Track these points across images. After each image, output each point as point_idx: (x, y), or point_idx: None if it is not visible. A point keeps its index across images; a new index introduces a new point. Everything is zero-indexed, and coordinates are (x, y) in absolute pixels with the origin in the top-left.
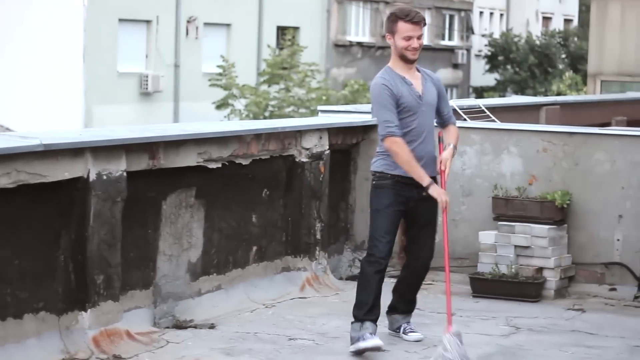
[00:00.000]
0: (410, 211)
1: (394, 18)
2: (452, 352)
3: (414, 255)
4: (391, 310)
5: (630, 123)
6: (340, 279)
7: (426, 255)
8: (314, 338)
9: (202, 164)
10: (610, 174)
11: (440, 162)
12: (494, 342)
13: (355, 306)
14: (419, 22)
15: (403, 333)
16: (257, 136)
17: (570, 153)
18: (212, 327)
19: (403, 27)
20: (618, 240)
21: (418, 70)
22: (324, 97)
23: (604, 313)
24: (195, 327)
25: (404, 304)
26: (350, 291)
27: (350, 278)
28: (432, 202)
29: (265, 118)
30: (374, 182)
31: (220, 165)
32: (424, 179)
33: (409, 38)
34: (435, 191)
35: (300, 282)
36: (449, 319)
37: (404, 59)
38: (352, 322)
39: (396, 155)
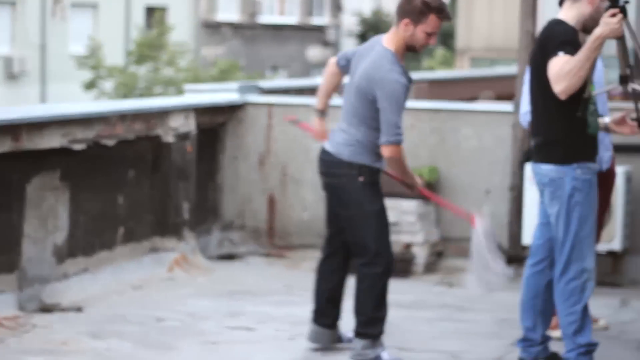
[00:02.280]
0: None
1: (426, 8)
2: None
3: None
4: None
5: (498, 98)
6: (209, 258)
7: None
8: (182, 318)
9: (66, 145)
10: (477, 149)
11: None
12: None
13: (369, 324)
14: (448, 18)
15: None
16: (122, 117)
17: (437, 129)
18: (79, 310)
19: (434, 22)
20: (486, 215)
21: None
22: (192, 77)
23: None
24: (62, 310)
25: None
26: (219, 271)
27: (220, 257)
28: None
29: (134, 98)
30: (361, 178)
31: (85, 147)
32: (417, 180)
33: (431, 35)
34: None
35: (168, 263)
36: (469, 217)
37: (411, 50)
38: (366, 340)
39: (397, 162)
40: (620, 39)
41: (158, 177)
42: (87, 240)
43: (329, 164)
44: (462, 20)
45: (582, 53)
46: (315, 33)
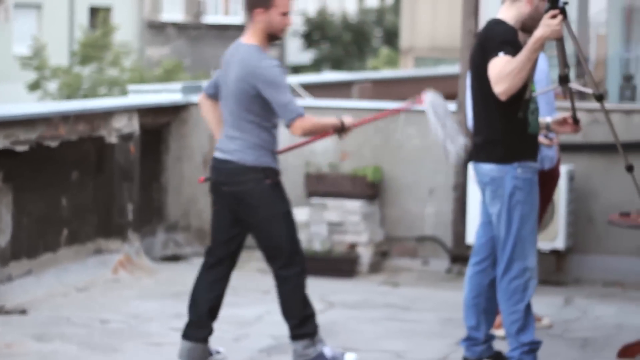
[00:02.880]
0: None
1: None
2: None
3: (234, 262)
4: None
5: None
6: (154, 259)
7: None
8: (127, 320)
9: (8, 147)
10: (420, 148)
11: None
12: None
13: (303, 324)
14: None
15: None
16: (65, 118)
17: (381, 128)
18: (23, 312)
19: (283, 1)
20: (430, 214)
21: None
22: (137, 78)
23: (417, 287)
24: (6, 313)
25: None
26: (163, 272)
27: (164, 259)
28: None
29: (79, 99)
30: (268, 181)
31: (27, 148)
32: (332, 121)
33: (286, 14)
34: (347, 120)
35: (112, 265)
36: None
37: (273, 38)
38: (304, 340)
39: (313, 128)
40: (560, 40)
41: (102, 178)
42: (31, 242)
43: (230, 173)
44: (406, 20)
45: (522, 54)
46: None
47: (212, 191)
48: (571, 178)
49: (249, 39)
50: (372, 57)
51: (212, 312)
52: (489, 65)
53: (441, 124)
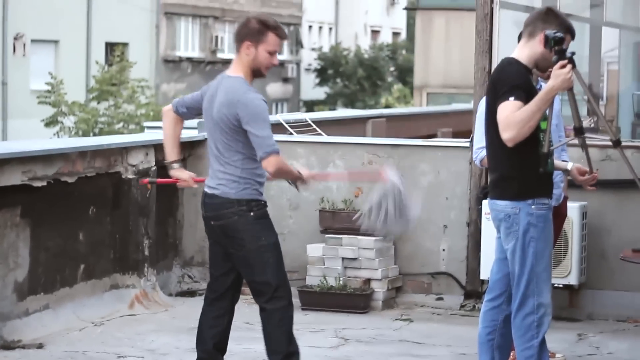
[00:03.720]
0: None
1: (262, 27)
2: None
3: (236, 296)
4: None
5: (456, 134)
6: (170, 295)
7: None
8: (143, 355)
9: (27, 182)
10: (434, 184)
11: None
12: (323, 354)
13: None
14: (285, 37)
15: None
16: (82, 154)
17: (395, 165)
18: (40, 347)
19: (272, 39)
20: (443, 250)
21: None
22: (152, 113)
23: (431, 322)
24: (23, 347)
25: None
26: (179, 307)
27: (180, 294)
28: None
29: (94, 135)
30: (252, 213)
31: (45, 184)
32: (296, 172)
33: (273, 53)
34: (305, 173)
35: (129, 300)
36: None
37: (257, 75)
38: None
39: (282, 170)
40: (571, 90)
41: (118, 214)
42: (48, 276)
43: (216, 207)
44: (420, 57)
45: (534, 104)
46: (275, 69)
47: (205, 225)
48: (584, 214)
49: (235, 71)
50: (385, 93)
51: (219, 347)
52: (499, 108)
53: (392, 206)
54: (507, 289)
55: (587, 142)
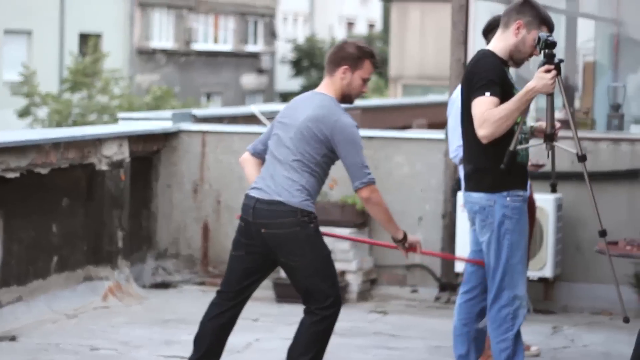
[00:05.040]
0: None
1: (361, 54)
2: None
3: (244, 304)
4: None
5: (431, 126)
6: (144, 287)
7: None
8: (116, 347)
9: None
10: (409, 176)
11: None
12: None
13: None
14: (378, 68)
15: None
16: (56, 145)
17: (370, 156)
18: (13, 339)
19: (369, 67)
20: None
21: None
22: (126, 105)
23: (406, 315)
24: None
25: None
26: (153, 299)
27: (153, 286)
28: None
29: (68, 126)
30: (313, 225)
31: (18, 175)
32: (400, 232)
33: (366, 80)
34: (413, 239)
35: (102, 292)
36: None
37: (346, 100)
38: None
39: (378, 205)
40: (550, 96)
41: (92, 205)
42: (21, 268)
43: (274, 214)
44: (395, 48)
45: (512, 103)
46: (249, 60)
47: (242, 234)
48: (559, 207)
49: (327, 90)
50: None
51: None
52: (474, 102)
53: None
54: (482, 281)
55: (555, 147)
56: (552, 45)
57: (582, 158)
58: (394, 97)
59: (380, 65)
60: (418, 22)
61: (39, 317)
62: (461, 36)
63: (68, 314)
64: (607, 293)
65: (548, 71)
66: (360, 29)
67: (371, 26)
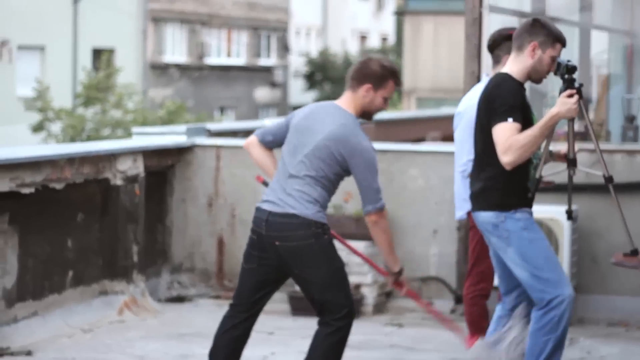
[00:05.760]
0: None
1: (385, 73)
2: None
3: (257, 316)
4: None
5: (445, 139)
6: (159, 301)
7: None
8: None
9: (14, 189)
10: (424, 189)
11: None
12: None
13: None
14: (400, 86)
15: None
16: (71, 160)
17: (384, 170)
18: (29, 354)
19: (391, 87)
20: (434, 255)
21: None
22: (140, 119)
23: (421, 327)
24: (11, 354)
25: None
26: (168, 313)
27: (169, 300)
28: None
29: (82, 141)
30: (327, 236)
31: (33, 190)
32: (399, 265)
33: (386, 100)
34: (405, 278)
35: (118, 306)
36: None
37: (365, 116)
38: None
39: (385, 232)
40: (572, 121)
41: (107, 220)
42: (36, 283)
43: (288, 227)
44: (408, 61)
45: (536, 130)
46: (262, 74)
47: (254, 247)
48: (575, 219)
49: (347, 106)
50: None
51: None
52: (496, 128)
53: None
54: (522, 300)
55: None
56: (573, 70)
57: (609, 180)
58: (408, 110)
59: (401, 83)
60: (431, 35)
61: (55, 331)
62: (475, 49)
63: (84, 328)
64: (623, 304)
65: (570, 96)
66: (373, 42)
67: (384, 39)
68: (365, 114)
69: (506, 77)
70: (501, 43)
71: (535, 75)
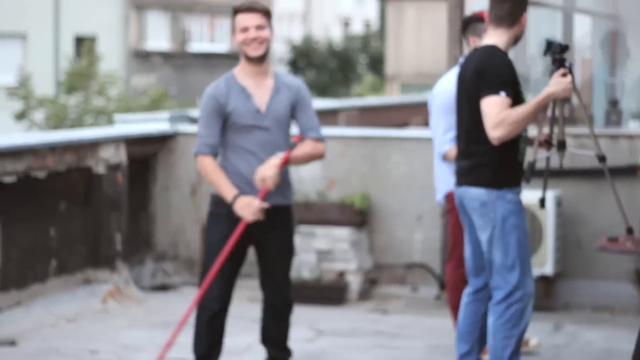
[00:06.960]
0: (259, 242)
1: (233, 14)
2: None
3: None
4: None
5: (428, 124)
6: (143, 289)
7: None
8: (116, 350)
9: None
10: (407, 175)
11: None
12: (298, 348)
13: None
14: (254, 9)
15: None
16: (52, 148)
17: (367, 156)
18: (12, 343)
19: (239, 19)
20: (418, 240)
21: (274, 78)
22: (123, 107)
23: (406, 314)
24: None
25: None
26: (152, 302)
27: (153, 289)
28: (283, 228)
29: (65, 129)
30: (209, 210)
31: (15, 179)
32: (228, 194)
33: (245, 29)
34: (238, 206)
35: (102, 295)
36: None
37: (248, 59)
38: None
39: (204, 176)
40: (565, 101)
41: (90, 209)
42: (20, 273)
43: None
44: (391, 47)
45: (530, 107)
46: None
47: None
48: (559, 203)
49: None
50: (357, 83)
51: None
52: (486, 100)
53: None
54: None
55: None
56: (565, 49)
57: (602, 159)
58: (392, 96)
59: (254, 5)
60: (414, 20)
61: (39, 321)
62: (457, 34)
63: (68, 317)
64: (608, 290)
65: (564, 75)
66: (356, 28)
67: (367, 25)
68: (246, 59)
69: (497, 50)
70: (468, 25)
71: (516, 42)
